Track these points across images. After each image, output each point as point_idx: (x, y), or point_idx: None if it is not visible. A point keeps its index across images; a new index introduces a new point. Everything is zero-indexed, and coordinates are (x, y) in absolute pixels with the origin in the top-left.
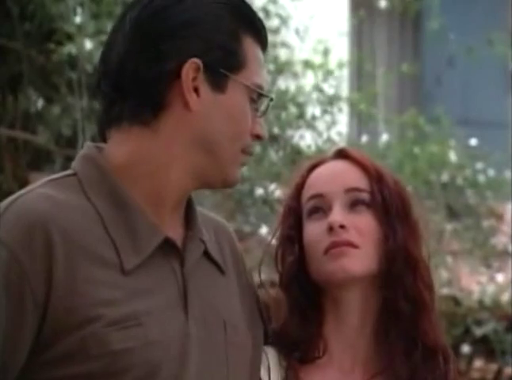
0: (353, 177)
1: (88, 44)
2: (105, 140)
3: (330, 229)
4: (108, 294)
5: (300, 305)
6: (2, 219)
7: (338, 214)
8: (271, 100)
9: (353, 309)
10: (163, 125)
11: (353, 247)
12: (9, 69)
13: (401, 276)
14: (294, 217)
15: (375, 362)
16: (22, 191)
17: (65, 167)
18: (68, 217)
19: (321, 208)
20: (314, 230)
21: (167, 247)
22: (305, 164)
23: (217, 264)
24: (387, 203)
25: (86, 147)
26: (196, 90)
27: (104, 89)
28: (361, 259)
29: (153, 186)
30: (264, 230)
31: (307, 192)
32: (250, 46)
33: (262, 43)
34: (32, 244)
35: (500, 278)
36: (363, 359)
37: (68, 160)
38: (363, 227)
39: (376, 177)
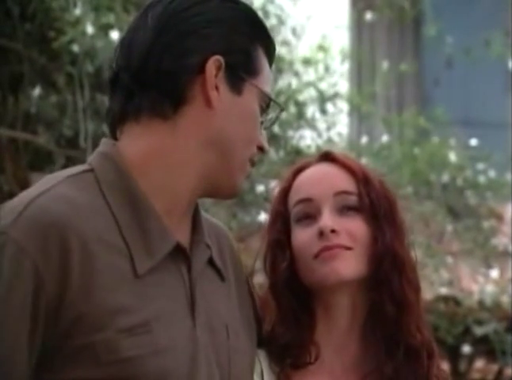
0: (341, 180)
1: (89, 29)
2: (114, 135)
3: (321, 234)
4: (120, 301)
5: (293, 310)
6: (20, 220)
7: (328, 219)
8: (282, 110)
9: (343, 312)
10: (182, 120)
11: (346, 249)
12: (9, 69)
13: (388, 278)
14: (282, 221)
15: (364, 364)
16: (41, 188)
17: (65, 167)
18: (85, 221)
19: (310, 213)
20: (303, 236)
21: (177, 252)
22: (290, 168)
23: (219, 270)
24: (375, 206)
25: (103, 144)
26: (216, 88)
27: (123, 82)
28: (353, 261)
29: (168, 183)
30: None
31: (295, 196)
32: (262, 57)
33: (270, 59)
34: (49, 249)
35: (495, 274)
36: (353, 363)
37: (69, 160)
38: (354, 231)
39: (363, 180)
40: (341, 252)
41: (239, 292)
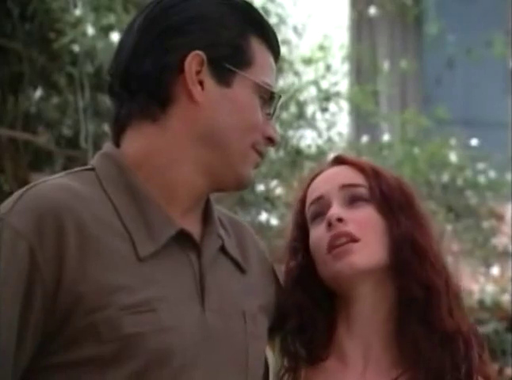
0: (348, 176)
1: (89, 30)
2: (116, 142)
3: (329, 224)
4: (121, 281)
5: (305, 310)
6: (16, 206)
7: (335, 209)
8: (279, 97)
9: (364, 304)
10: (171, 120)
11: (354, 241)
12: (9, 69)
13: (409, 264)
14: (300, 229)
15: (388, 358)
16: (38, 181)
17: (65, 167)
18: (85, 207)
19: (321, 211)
20: (317, 232)
21: (183, 239)
22: (305, 178)
23: (235, 260)
24: (387, 197)
25: (105, 147)
26: (201, 83)
27: (115, 89)
28: (365, 252)
29: (166, 181)
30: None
31: (309, 200)
32: (258, 47)
33: (273, 49)
34: (44, 232)
35: (495, 273)
36: (377, 357)
37: (69, 160)
38: (362, 219)
39: (372, 174)
40: (349, 246)
41: (264, 283)
